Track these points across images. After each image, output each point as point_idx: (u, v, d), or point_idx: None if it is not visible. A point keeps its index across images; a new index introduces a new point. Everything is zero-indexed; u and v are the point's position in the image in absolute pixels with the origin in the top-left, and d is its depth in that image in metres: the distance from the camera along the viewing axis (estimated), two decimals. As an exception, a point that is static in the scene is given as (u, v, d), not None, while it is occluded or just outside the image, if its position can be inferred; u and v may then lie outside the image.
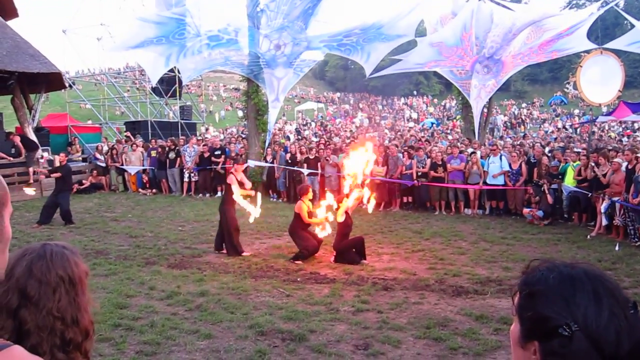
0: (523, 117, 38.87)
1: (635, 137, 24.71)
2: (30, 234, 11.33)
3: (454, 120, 34.18)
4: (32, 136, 18.55)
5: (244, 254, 9.23)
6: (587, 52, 16.40)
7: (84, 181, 18.31)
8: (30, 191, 13.66)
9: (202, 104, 43.09)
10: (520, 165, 13.05)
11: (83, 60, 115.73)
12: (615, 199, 10.35)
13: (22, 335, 1.49)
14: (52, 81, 19.16)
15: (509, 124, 35.91)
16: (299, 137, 24.11)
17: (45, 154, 18.62)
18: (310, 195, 9.39)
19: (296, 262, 8.72)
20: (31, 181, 17.09)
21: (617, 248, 9.44)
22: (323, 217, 9.25)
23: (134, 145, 18.57)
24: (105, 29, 39.43)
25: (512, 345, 1.20)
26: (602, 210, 10.58)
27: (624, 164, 10.62)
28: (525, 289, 1.16)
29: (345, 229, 8.97)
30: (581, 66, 16.82)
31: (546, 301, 1.11)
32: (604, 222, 10.61)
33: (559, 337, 1.06)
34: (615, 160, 10.81)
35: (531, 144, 17.18)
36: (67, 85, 20.50)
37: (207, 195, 16.92)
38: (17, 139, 17.61)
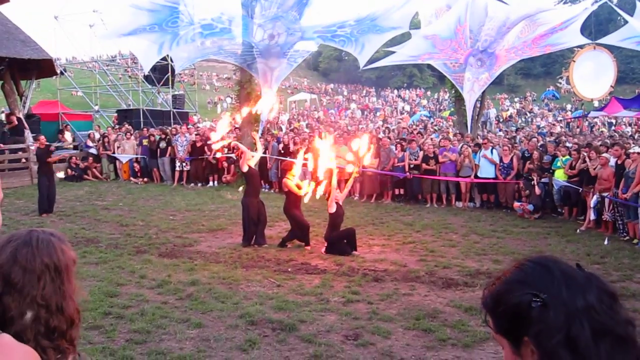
0: (516, 110, 38.91)
1: (626, 133, 24.83)
2: (20, 221, 11.27)
3: (448, 115, 34.07)
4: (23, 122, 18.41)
5: (264, 245, 9.28)
6: (581, 47, 16.44)
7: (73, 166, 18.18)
8: None
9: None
10: (512, 159, 13.10)
11: (75, 47, 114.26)
12: (605, 194, 10.42)
13: (6, 322, 1.48)
14: (43, 68, 19.01)
15: (500, 118, 35.86)
16: (291, 127, 24.09)
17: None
18: (294, 171, 9.49)
19: (287, 243, 9.15)
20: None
21: (606, 242, 9.52)
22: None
23: (128, 134, 18.47)
24: (98, 16, 39.00)
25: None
26: (592, 205, 10.66)
27: (613, 160, 10.68)
28: (488, 301, 1.23)
29: (337, 219, 8.99)
30: (574, 61, 16.88)
31: (508, 292, 1.17)
32: (593, 216, 10.69)
33: (535, 312, 1.10)
34: (604, 155, 10.87)
35: (523, 138, 17.23)
36: (58, 72, 20.33)
37: (199, 184, 16.88)
38: (14, 118, 17.47)
